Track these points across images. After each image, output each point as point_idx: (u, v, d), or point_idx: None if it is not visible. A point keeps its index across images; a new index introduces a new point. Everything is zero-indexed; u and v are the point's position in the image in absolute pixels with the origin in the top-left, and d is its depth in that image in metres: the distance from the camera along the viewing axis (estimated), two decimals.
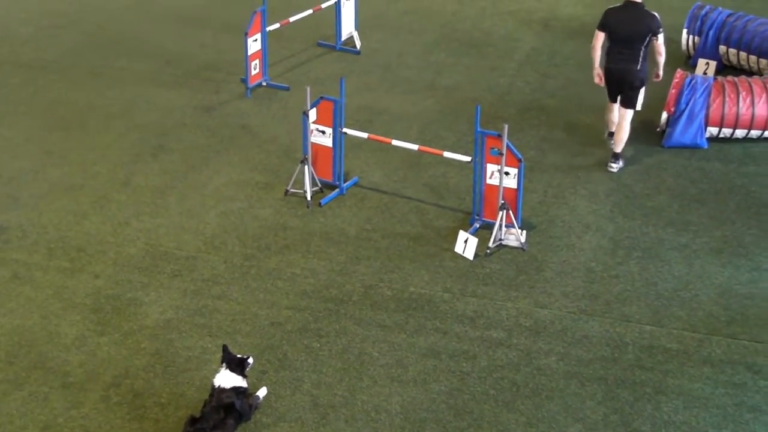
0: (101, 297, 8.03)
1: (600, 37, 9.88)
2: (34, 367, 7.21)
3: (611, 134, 10.30)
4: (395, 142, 9.46)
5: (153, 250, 8.70)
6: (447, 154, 9.19)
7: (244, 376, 6.60)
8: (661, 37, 9.61)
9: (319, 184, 9.57)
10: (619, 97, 9.95)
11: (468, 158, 8.91)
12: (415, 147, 9.38)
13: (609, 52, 9.89)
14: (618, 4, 9.95)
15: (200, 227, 9.06)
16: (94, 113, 11.34)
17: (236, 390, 6.49)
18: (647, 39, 9.59)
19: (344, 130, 9.41)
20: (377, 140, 9.59)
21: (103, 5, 14.67)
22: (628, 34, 9.65)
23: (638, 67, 9.66)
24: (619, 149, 10.02)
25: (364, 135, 9.55)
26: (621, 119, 9.97)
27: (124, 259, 8.56)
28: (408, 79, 12.19)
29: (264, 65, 11.84)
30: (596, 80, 10.00)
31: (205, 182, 9.85)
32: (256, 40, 11.57)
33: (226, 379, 6.51)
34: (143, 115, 11.28)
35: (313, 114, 9.38)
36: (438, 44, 13.21)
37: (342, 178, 9.60)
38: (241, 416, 6.56)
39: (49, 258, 8.56)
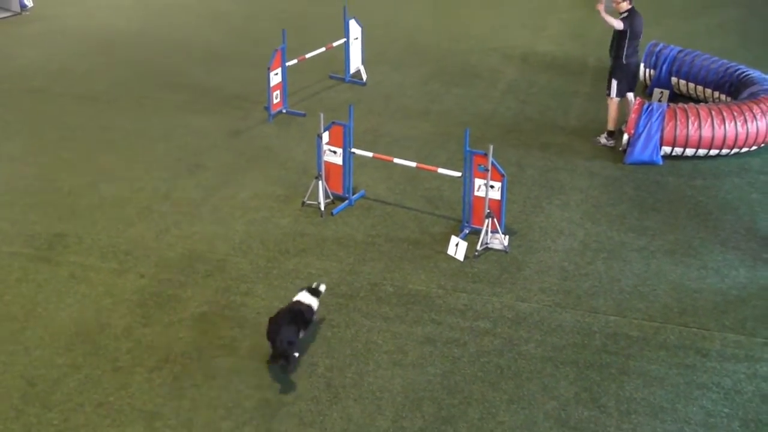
0: (145, 293, 8.02)
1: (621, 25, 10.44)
2: (89, 353, 7.21)
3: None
4: (396, 160, 9.45)
5: (189, 253, 8.70)
6: (441, 170, 9.18)
7: (317, 300, 7.39)
8: None
9: (331, 197, 9.56)
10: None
11: (458, 174, 8.91)
12: (413, 164, 9.37)
13: (630, 48, 10.41)
14: (630, 7, 10.43)
15: (229, 234, 9.05)
16: (139, 137, 11.34)
17: (308, 306, 7.27)
18: None
19: (353, 150, 9.41)
20: (381, 158, 9.57)
21: (146, 44, 14.69)
22: (641, 32, 10.45)
23: None
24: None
25: (370, 154, 9.54)
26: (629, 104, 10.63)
27: (165, 261, 8.55)
28: (407, 106, 12.18)
29: (284, 95, 11.84)
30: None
31: (233, 195, 9.84)
32: (277, 73, 11.58)
33: (303, 297, 7.29)
34: (181, 138, 11.28)
35: (326, 136, 9.38)
36: (433, 76, 13.21)
37: (351, 191, 9.59)
38: (306, 324, 7.20)
39: (101, 260, 8.55)
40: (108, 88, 12.91)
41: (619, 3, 10.53)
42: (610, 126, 10.89)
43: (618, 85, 10.69)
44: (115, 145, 11.14)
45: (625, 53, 10.52)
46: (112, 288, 8.10)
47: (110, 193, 9.88)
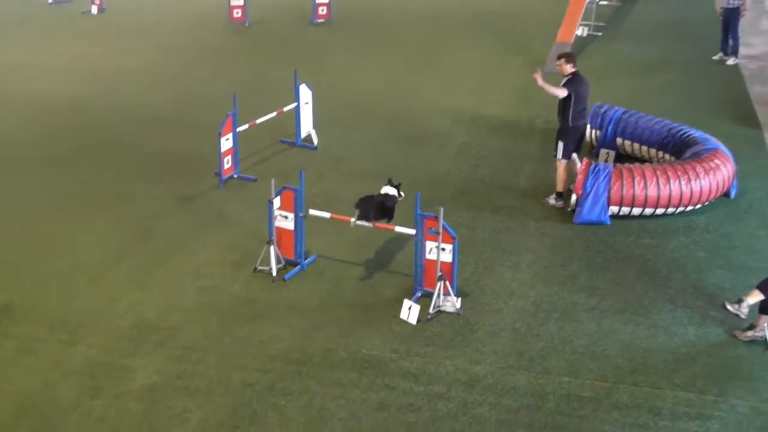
0: (95, 365, 7.90)
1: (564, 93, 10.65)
2: (35, 428, 7.05)
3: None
4: (353, 221, 9.43)
5: (140, 322, 8.60)
6: (397, 229, 9.16)
7: (399, 192, 9.46)
8: None
9: (283, 262, 9.54)
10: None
11: (413, 231, 8.92)
12: (369, 224, 9.32)
13: (575, 112, 10.58)
14: (574, 71, 10.66)
15: (181, 301, 8.97)
16: (89, 203, 11.25)
17: (392, 196, 9.37)
18: None
19: (311, 211, 9.43)
20: (337, 219, 9.55)
21: (96, 109, 14.63)
22: (586, 96, 10.67)
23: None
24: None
25: (327, 215, 9.51)
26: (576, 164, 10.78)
27: (115, 331, 8.44)
28: (358, 169, 12.25)
29: (235, 160, 11.85)
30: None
31: (184, 262, 9.78)
32: (228, 139, 11.60)
33: (388, 189, 9.37)
34: (131, 204, 11.21)
35: (277, 202, 9.39)
36: (383, 139, 13.32)
37: (303, 256, 9.58)
38: (390, 210, 9.32)
39: (49, 332, 8.41)
40: (57, 155, 12.82)
41: (563, 66, 10.75)
42: (559, 187, 11.06)
43: (564, 147, 10.88)
44: (63, 212, 11.04)
45: (570, 116, 10.72)
46: (60, 360, 7.97)
47: (59, 262, 9.76)
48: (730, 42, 17.14)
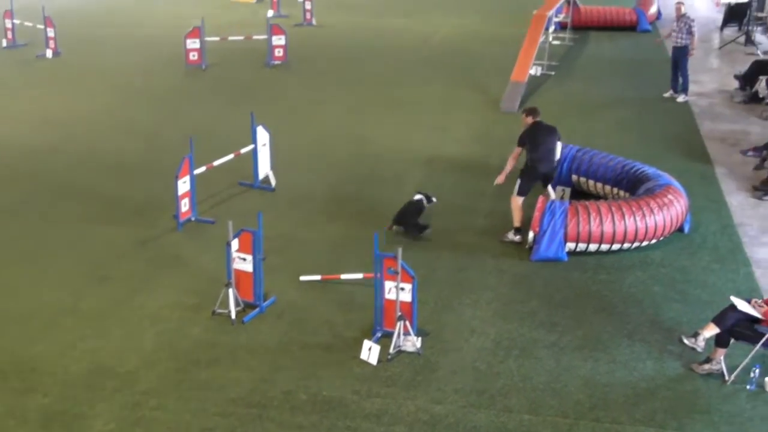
0: (50, 413, 7.76)
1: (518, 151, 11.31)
2: None
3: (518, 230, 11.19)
4: (344, 276, 9.43)
5: (96, 368, 8.47)
6: (344, 276, 9.18)
7: (430, 199, 11.57)
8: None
9: (242, 304, 9.48)
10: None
11: (359, 275, 8.93)
12: (317, 277, 9.35)
13: (533, 156, 11.18)
14: (533, 122, 11.32)
15: (138, 346, 8.87)
16: (43, 250, 11.11)
17: (421, 201, 11.41)
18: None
19: (302, 278, 9.40)
20: (328, 278, 9.53)
21: (50, 155, 14.49)
22: (541, 143, 11.18)
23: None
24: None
25: (318, 277, 9.51)
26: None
27: (71, 378, 8.31)
28: (316, 210, 12.25)
29: (193, 203, 11.80)
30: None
31: (142, 306, 9.68)
32: (185, 182, 11.56)
33: (419, 196, 11.33)
34: (87, 249, 11.09)
35: (235, 244, 9.36)
36: (341, 180, 13.35)
37: (262, 298, 9.53)
38: (420, 211, 11.46)
39: (2, 380, 8.25)
40: (10, 202, 12.66)
41: (524, 119, 11.44)
42: (516, 223, 11.15)
43: (519, 184, 11.11)
44: (18, 258, 10.89)
45: (528, 160, 11.21)
46: (14, 409, 7.82)
47: (12, 309, 9.60)
48: (680, 80, 17.48)
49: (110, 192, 12.91)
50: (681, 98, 17.39)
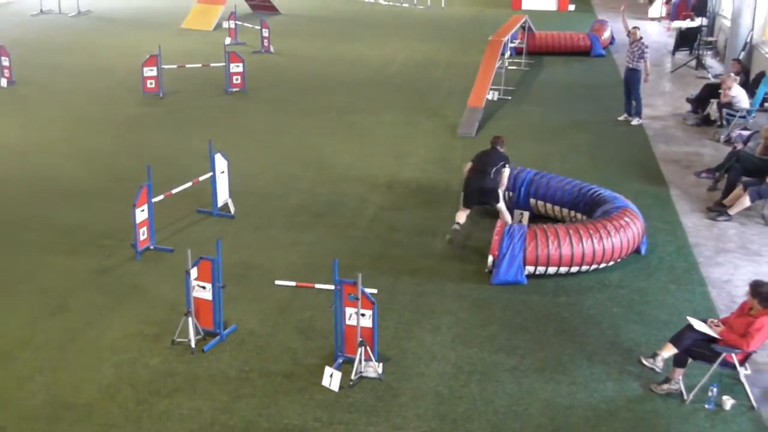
0: None
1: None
2: None
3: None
4: (317, 286, 9.34)
5: (54, 401, 8.34)
6: (318, 285, 9.12)
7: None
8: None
9: (202, 333, 9.40)
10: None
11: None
12: (292, 283, 9.28)
13: (469, 174, 12.14)
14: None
15: (97, 377, 8.75)
16: None
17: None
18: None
19: (277, 282, 9.33)
20: (302, 286, 9.47)
21: (5, 185, 14.31)
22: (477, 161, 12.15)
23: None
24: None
25: (293, 283, 9.40)
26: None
27: (28, 411, 8.17)
28: (276, 237, 12.21)
29: (151, 231, 11.70)
30: None
31: (100, 336, 9.56)
32: (143, 210, 11.47)
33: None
34: (44, 279, 10.94)
35: (194, 272, 9.29)
36: (300, 207, 13.32)
37: (222, 326, 9.46)
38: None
39: None
40: None
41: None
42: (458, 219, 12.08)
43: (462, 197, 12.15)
44: None
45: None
46: None
47: None
48: (634, 103, 17.74)
49: (67, 221, 12.76)
50: (635, 121, 17.64)
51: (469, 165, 12.20)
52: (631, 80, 17.56)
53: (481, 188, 11.92)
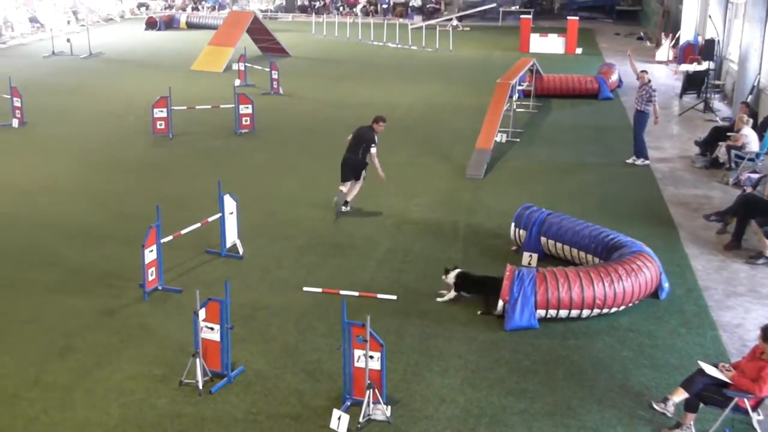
0: None
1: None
2: None
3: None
4: (305, 288, 9.34)
5: None
6: (343, 292, 9.10)
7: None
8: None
9: (210, 374, 9.35)
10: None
11: (391, 296, 8.86)
12: (319, 289, 9.25)
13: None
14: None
15: (104, 419, 8.70)
16: (6, 320, 10.92)
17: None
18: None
19: (305, 288, 9.30)
20: (329, 292, 9.45)
21: (14, 225, 14.36)
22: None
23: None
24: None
25: (319, 289, 9.38)
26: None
27: None
28: (284, 278, 12.20)
29: (159, 272, 11.70)
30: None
31: (107, 377, 9.52)
32: (152, 250, 11.48)
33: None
34: (51, 319, 10.92)
35: (202, 313, 9.27)
36: (309, 247, 13.32)
37: (230, 367, 9.42)
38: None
39: None
40: None
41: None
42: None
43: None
44: None
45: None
46: None
47: None
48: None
49: (75, 261, 12.78)
50: (639, 161, 17.70)
51: (349, 138, 14.54)
52: (637, 122, 17.72)
53: (350, 164, 14.43)
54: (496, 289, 10.77)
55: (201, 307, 9.22)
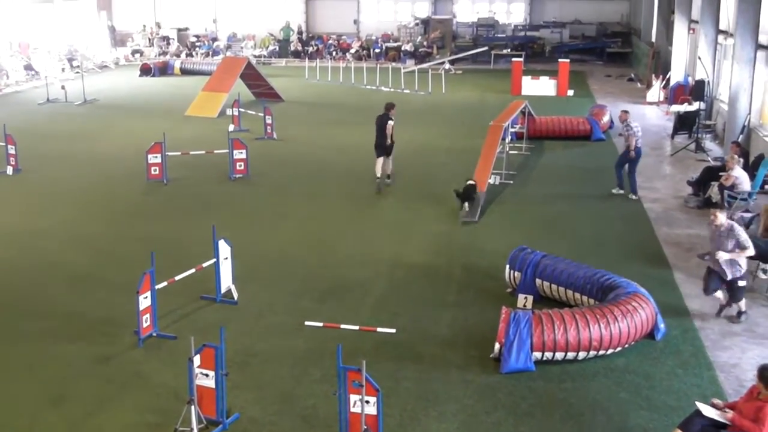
0: None
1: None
2: None
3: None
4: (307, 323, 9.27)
5: None
6: (344, 326, 9.04)
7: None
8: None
9: (204, 422, 9.28)
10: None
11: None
12: (320, 324, 9.20)
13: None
14: None
15: None
16: None
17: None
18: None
19: (307, 323, 9.24)
20: (330, 326, 9.38)
21: (5, 272, 14.31)
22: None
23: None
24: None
25: (320, 324, 9.33)
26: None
27: None
28: (279, 324, 12.15)
29: (154, 318, 11.65)
30: None
31: (102, 426, 9.44)
32: (146, 297, 11.44)
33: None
34: (44, 368, 10.85)
35: (197, 360, 9.22)
36: (304, 292, 13.29)
37: (225, 414, 9.35)
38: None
39: None
40: None
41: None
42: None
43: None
44: None
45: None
46: None
47: None
48: (623, 178, 18.79)
49: (69, 308, 12.72)
50: (614, 190, 18.73)
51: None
52: (627, 160, 18.65)
53: (381, 145, 18.91)
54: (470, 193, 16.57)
55: (196, 354, 9.18)
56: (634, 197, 18.29)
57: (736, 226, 12.15)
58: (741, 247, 11.96)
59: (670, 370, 10.71)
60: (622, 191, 18.59)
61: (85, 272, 14.27)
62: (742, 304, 12.24)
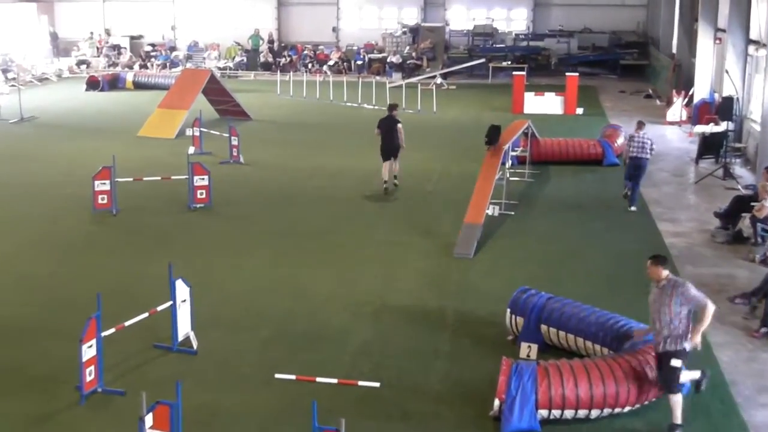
0: None
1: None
2: None
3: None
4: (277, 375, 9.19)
5: None
6: (319, 379, 8.96)
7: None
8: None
9: None
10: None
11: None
12: (293, 376, 9.13)
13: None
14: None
15: None
16: None
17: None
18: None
19: (277, 375, 9.16)
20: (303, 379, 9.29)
21: None
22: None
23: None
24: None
25: (293, 376, 9.27)
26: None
27: None
28: (246, 376, 12.08)
29: (99, 371, 11.55)
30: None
31: None
32: (91, 346, 11.34)
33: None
34: None
35: (149, 419, 9.12)
36: (274, 340, 13.22)
37: None
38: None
39: None
40: None
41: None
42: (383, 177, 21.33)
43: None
44: None
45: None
46: None
47: None
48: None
49: (2, 360, 12.60)
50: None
51: (378, 131, 21.50)
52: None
53: (388, 148, 21.31)
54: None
55: (148, 412, 9.08)
56: (632, 209, 19.74)
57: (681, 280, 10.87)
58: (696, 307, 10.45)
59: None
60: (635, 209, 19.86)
61: (20, 318, 14.14)
62: (676, 403, 10.67)
